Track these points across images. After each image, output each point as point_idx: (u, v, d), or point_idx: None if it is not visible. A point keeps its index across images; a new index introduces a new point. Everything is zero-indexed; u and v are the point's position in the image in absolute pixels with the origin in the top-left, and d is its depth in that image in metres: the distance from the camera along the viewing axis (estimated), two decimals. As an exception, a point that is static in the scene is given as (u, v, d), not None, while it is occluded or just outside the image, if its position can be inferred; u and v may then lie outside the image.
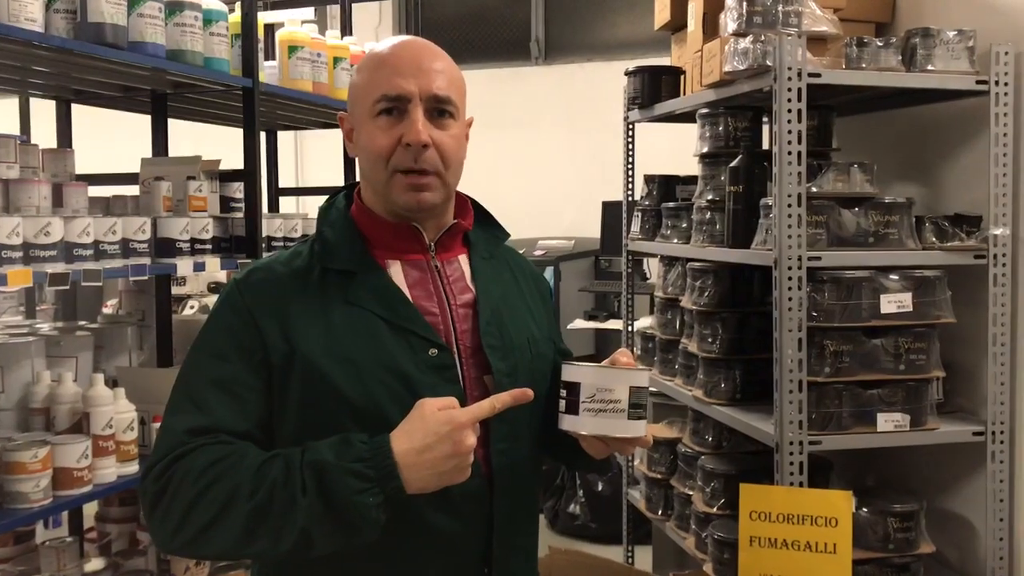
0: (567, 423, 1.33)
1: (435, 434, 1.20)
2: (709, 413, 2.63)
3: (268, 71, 3.28)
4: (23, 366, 2.60)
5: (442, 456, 1.20)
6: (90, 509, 3.19)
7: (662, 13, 2.94)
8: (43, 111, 3.45)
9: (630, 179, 3.37)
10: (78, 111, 3.39)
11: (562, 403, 1.34)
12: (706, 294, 2.62)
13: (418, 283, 1.39)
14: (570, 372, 1.34)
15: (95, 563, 3.05)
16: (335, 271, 1.37)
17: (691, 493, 2.75)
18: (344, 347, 1.31)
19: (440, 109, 1.37)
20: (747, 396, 2.56)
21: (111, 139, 3.89)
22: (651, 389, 3.43)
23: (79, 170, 3.12)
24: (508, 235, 1.56)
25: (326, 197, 1.51)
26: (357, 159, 1.43)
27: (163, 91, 3.18)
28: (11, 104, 4.16)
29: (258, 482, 1.21)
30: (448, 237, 1.44)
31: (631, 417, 1.31)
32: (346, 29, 4.11)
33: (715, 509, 2.60)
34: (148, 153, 3.34)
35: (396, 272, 1.39)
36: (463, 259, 1.47)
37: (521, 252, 5.17)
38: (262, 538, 1.21)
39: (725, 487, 2.59)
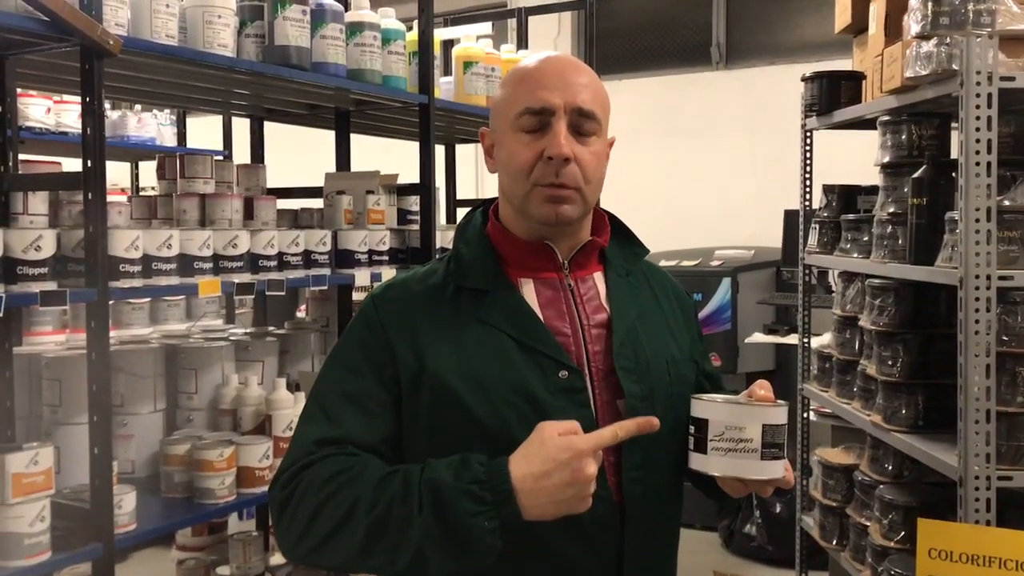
0: (695, 462, 1.27)
1: (554, 460, 1.16)
2: (888, 440, 2.48)
3: (445, 86, 3.37)
4: (214, 369, 2.79)
5: (560, 484, 1.16)
6: (276, 504, 3.37)
7: (843, 15, 2.80)
8: (246, 128, 3.69)
9: (808, 189, 3.23)
10: (281, 128, 3.60)
11: (691, 440, 1.28)
12: (886, 313, 2.47)
13: (550, 302, 1.37)
14: (698, 407, 1.28)
15: (278, 557, 3.22)
16: (469, 289, 1.37)
17: (868, 524, 2.60)
18: (474, 366, 1.31)
19: (583, 124, 1.34)
20: (930, 423, 2.39)
21: (310, 153, 4.09)
22: (826, 411, 3.30)
23: (276, 183, 3.31)
24: (647, 251, 1.51)
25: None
26: (497, 175, 1.42)
27: (346, 108, 3.32)
28: (217, 122, 4.48)
29: (377, 496, 1.21)
30: (583, 255, 1.41)
31: (764, 457, 1.23)
32: (522, 42, 4.16)
33: (893, 543, 2.45)
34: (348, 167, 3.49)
35: (528, 291, 1.38)
36: (599, 277, 1.43)
37: (697, 262, 5.02)
38: (379, 553, 1.21)
39: (905, 520, 2.43)
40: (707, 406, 1.27)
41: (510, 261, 1.40)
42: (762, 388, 1.32)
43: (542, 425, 1.21)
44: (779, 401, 1.30)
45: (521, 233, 1.40)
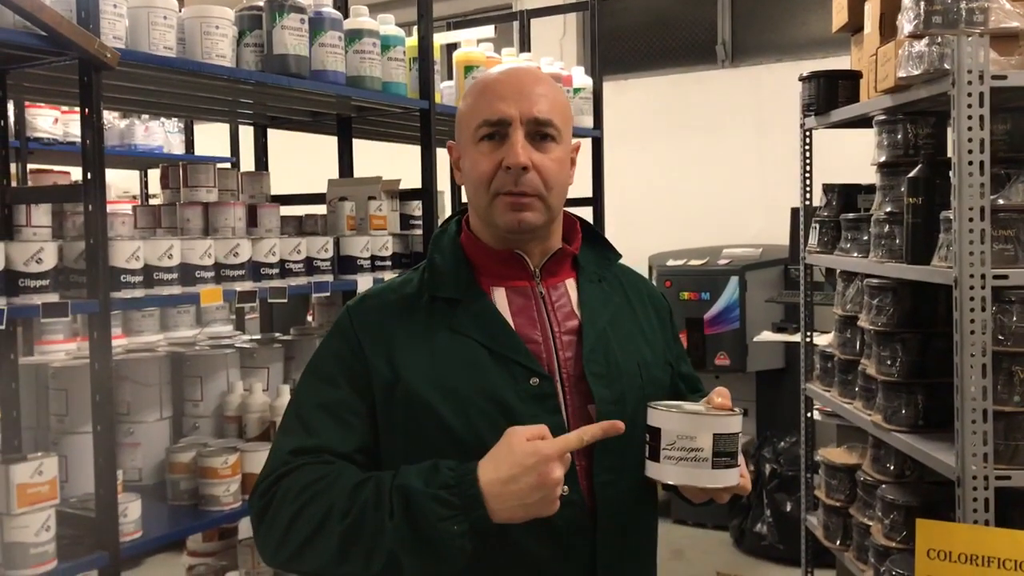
0: (650, 470, 1.29)
1: (521, 465, 1.18)
2: (888, 440, 2.47)
3: (447, 91, 3.38)
4: (219, 376, 2.81)
5: (527, 488, 1.18)
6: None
7: (840, 14, 2.79)
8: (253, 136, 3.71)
9: (808, 187, 3.22)
10: (287, 135, 3.62)
11: (646, 448, 1.30)
12: (885, 313, 2.47)
13: (522, 310, 1.39)
14: (652, 417, 1.29)
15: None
16: (442, 298, 1.39)
17: (870, 524, 2.59)
18: (446, 375, 1.32)
19: (542, 132, 1.36)
20: (931, 423, 2.39)
21: (316, 159, 4.11)
22: (828, 410, 3.29)
23: (283, 190, 3.33)
24: (619, 256, 1.53)
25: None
26: (463, 187, 1.44)
27: (347, 115, 3.34)
28: (224, 129, 4.50)
29: (351, 503, 1.24)
30: (554, 262, 1.43)
31: (716, 466, 1.25)
32: (525, 45, 4.17)
33: (895, 543, 2.44)
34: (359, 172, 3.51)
35: (500, 299, 1.39)
36: (570, 284, 1.44)
37: (705, 260, 4.98)
38: (354, 559, 1.24)
39: (906, 520, 2.42)
40: (660, 415, 1.28)
41: (482, 270, 1.41)
42: (719, 396, 1.33)
43: (511, 430, 1.23)
44: (733, 409, 1.32)
45: (490, 242, 1.41)
